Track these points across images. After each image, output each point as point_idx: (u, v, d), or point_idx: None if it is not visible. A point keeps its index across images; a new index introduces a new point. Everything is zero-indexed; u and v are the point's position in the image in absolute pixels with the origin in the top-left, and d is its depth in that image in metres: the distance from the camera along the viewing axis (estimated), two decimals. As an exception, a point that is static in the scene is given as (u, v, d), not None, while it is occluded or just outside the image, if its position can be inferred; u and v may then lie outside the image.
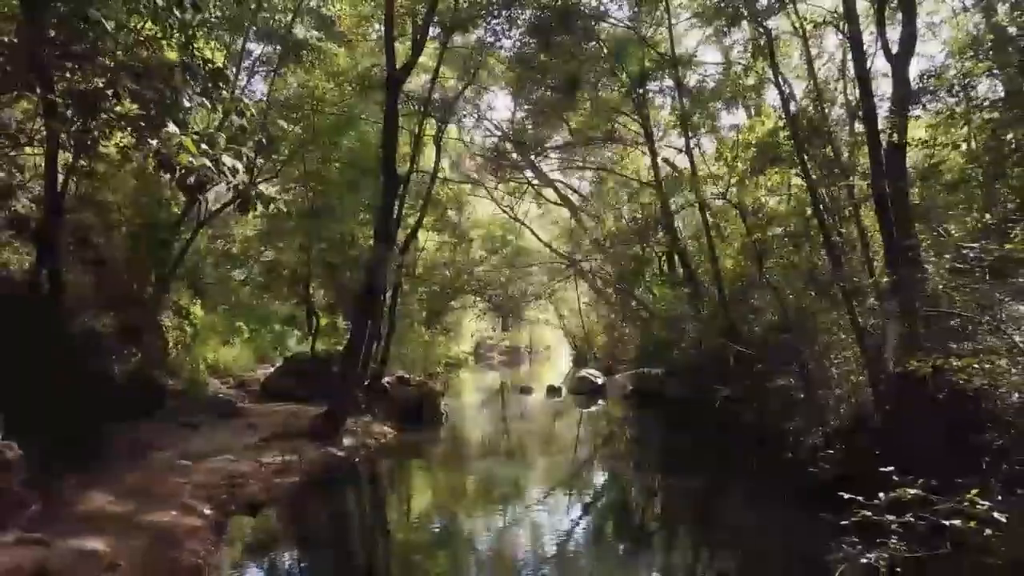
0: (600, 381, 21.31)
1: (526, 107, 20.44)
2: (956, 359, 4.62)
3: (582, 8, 14.92)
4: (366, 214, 19.66)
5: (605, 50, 15.96)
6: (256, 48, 15.45)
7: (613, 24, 15.92)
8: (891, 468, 3.80)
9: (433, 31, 13.36)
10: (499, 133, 22.44)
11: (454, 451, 12.79)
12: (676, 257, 16.31)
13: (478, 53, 15.68)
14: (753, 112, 15.54)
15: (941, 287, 5.68)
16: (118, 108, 5.13)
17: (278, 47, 13.84)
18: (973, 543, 3.47)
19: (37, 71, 6.32)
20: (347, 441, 10.94)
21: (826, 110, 9.83)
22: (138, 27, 5.79)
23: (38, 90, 5.58)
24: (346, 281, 19.47)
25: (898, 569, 3.43)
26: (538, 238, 26.25)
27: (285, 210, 12.75)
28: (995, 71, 9.22)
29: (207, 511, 6.95)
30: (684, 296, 14.60)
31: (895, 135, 8.56)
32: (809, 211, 9.74)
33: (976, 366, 4.49)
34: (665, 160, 17.62)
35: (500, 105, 30.33)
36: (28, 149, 9.10)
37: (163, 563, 5.45)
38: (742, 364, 10.91)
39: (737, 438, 10.84)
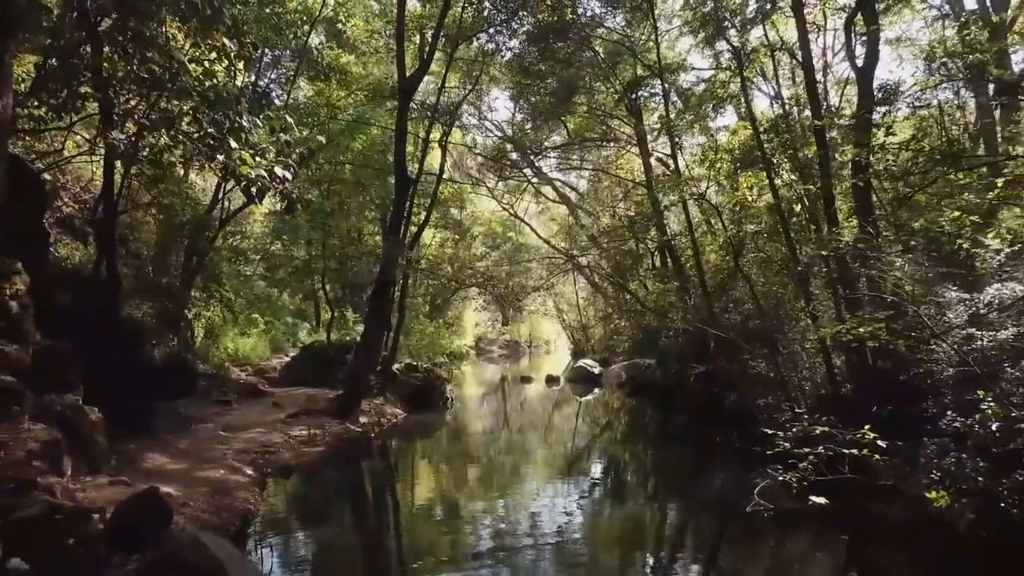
0: (596, 371, 22.40)
1: (525, 109, 21.45)
2: (853, 327, 5.65)
3: (578, 17, 15.94)
4: (373, 212, 20.79)
5: (601, 55, 16.98)
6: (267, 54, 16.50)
7: (606, 36, 16.89)
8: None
9: (439, 41, 14.39)
10: (500, 134, 23.49)
11: (459, 430, 13.87)
12: (667, 252, 17.34)
13: (481, 61, 16.71)
14: (743, 112, 16.61)
15: (883, 275, 6.68)
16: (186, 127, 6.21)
17: (291, 55, 14.90)
18: (867, 466, 4.50)
19: (100, 93, 7.39)
20: (363, 420, 12.03)
21: (793, 119, 10.83)
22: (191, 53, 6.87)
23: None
24: (352, 276, 20.60)
25: (805, 483, 4.49)
26: (537, 235, 27.27)
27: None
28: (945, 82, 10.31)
29: (249, 471, 8.06)
30: (674, 289, 15.65)
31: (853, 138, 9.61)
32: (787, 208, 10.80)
33: (864, 330, 5.51)
34: (659, 159, 18.65)
35: (501, 105, 31.30)
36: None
37: (222, 506, 6.52)
38: (722, 349, 11.98)
39: (721, 418, 11.89)
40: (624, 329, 23.86)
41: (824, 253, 6.99)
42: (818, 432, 4.56)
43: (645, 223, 16.02)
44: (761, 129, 11.95)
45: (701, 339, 13.32)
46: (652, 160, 17.70)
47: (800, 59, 9.83)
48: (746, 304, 11.92)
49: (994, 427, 5.14)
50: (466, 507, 7.96)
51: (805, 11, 13.11)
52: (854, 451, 4.44)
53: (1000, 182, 4.49)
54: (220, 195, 14.11)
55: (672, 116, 13.85)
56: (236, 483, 7.36)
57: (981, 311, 5.95)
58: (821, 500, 4.25)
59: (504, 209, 27.23)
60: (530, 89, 18.82)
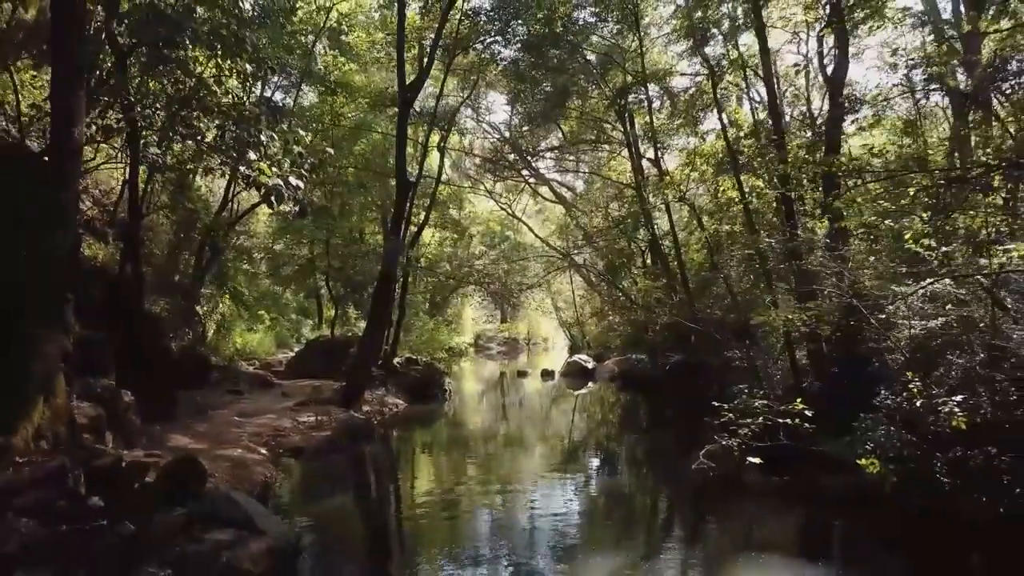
0: (590, 365, 23.18)
1: (521, 112, 22.23)
2: (780, 314, 6.43)
3: (570, 26, 16.71)
4: (374, 213, 21.58)
5: (593, 62, 17.76)
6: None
7: (597, 44, 17.65)
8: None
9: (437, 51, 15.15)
10: (497, 136, 24.28)
11: (456, 419, 14.70)
12: (655, 251, 18.12)
13: (478, 67, 17.51)
14: (730, 117, 17.37)
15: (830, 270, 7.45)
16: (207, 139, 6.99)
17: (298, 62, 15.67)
18: (800, 434, 5.27)
19: (125, 112, 8.17)
20: (365, 409, 12.81)
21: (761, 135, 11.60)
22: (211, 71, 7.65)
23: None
24: (353, 274, 21.38)
25: (744, 446, 5.25)
26: (535, 233, 28.01)
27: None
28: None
29: (263, 451, 8.85)
30: (661, 286, 16.43)
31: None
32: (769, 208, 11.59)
33: (791, 317, 6.29)
34: (650, 160, 19.42)
35: (498, 107, 32.10)
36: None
37: (243, 477, 7.30)
38: (703, 343, 12.76)
39: (705, 407, 12.67)
40: (617, 325, 24.65)
41: (756, 251, 7.76)
42: (757, 405, 5.36)
43: (634, 223, 16.79)
44: (741, 134, 12.75)
45: (686, 333, 14.12)
46: (642, 162, 18.46)
47: (771, 74, 10.52)
48: (725, 300, 12.69)
49: (918, 404, 5.91)
50: (461, 482, 8.76)
51: (784, 23, 13.94)
52: (788, 420, 5.24)
53: (911, 191, 5.24)
54: (230, 197, 14.92)
55: (657, 123, 14.60)
56: (253, 460, 8.16)
57: (915, 303, 6.72)
58: (757, 460, 5.05)
59: (502, 209, 27.97)
60: (525, 94, 19.62)
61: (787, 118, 16.13)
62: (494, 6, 14.83)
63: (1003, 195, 8.83)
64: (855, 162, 6.62)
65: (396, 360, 16.43)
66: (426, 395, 15.82)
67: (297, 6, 12.55)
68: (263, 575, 4.51)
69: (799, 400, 5.40)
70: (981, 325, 6.13)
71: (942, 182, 5.00)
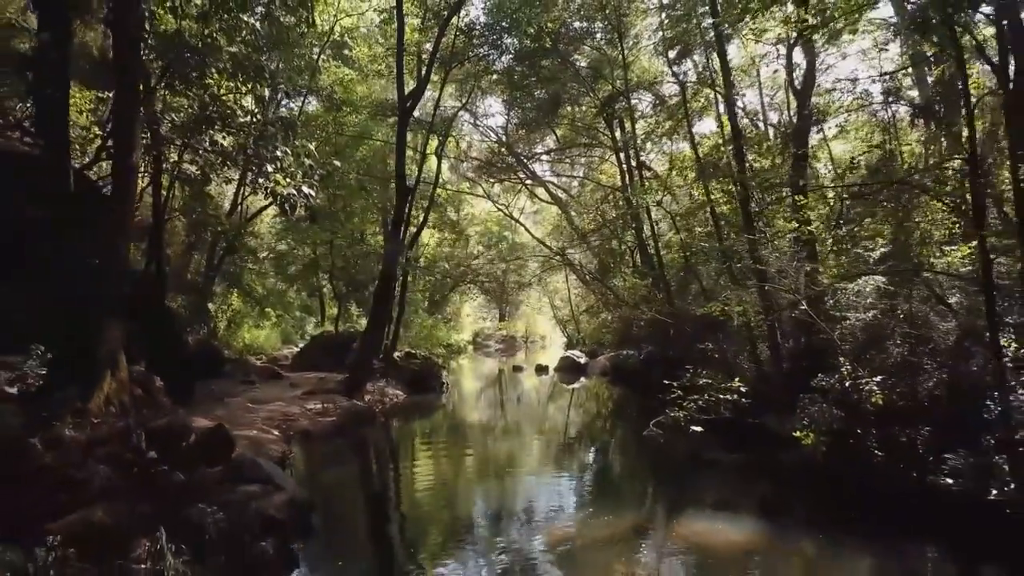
0: (583, 361, 24.09)
1: (515, 119, 23.17)
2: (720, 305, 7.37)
3: (559, 38, 17.66)
4: (375, 215, 22.52)
5: (584, 68, 18.70)
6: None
7: (587, 54, 18.60)
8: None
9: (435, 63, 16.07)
10: (495, 138, 25.22)
11: (453, 409, 15.64)
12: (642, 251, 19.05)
13: (475, 75, 18.45)
14: (716, 121, 18.25)
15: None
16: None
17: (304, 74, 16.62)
18: (740, 409, 6.20)
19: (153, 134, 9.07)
20: (367, 399, 13.74)
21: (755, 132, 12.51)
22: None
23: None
24: (355, 273, 22.34)
25: (691, 418, 6.18)
26: (531, 234, 28.93)
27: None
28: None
29: (276, 433, 9.78)
30: (647, 283, 17.35)
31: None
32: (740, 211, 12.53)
33: (728, 308, 7.23)
34: (636, 165, 20.35)
35: (495, 110, 33.04)
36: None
37: (260, 454, 8.22)
38: (681, 337, 13.70)
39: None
40: (609, 322, 25.51)
41: (720, 250, 8.68)
42: (701, 383, 6.30)
43: (622, 224, 17.72)
44: (720, 142, 13.67)
45: (666, 329, 15.04)
46: (630, 166, 19.40)
47: (731, 93, 11.43)
48: (700, 296, 13.62)
49: (847, 385, 6.84)
50: (455, 461, 9.72)
51: (756, 36, 14.84)
52: (730, 396, 6.17)
53: (831, 203, 6.14)
54: (239, 201, 15.88)
55: (642, 129, 15.52)
56: (267, 440, 9.10)
57: (851, 299, 7.64)
58: (699, 428, 5.98)
59: (499, 209, 28.89)
60: (520, 100, 20.58)
61: (771, 121, 17.11)
62: (487, 23, 15.77)
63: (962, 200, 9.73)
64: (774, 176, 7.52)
65: (396, 354, 17.37)
66: (425, 387, 16.75)
67: (306, 30, 13.49)
68: (285, 521, 5.45)
69: (737, 381, 6.34)
70: (902, 317, 7.05)
71: (846, 196, 5.91)
